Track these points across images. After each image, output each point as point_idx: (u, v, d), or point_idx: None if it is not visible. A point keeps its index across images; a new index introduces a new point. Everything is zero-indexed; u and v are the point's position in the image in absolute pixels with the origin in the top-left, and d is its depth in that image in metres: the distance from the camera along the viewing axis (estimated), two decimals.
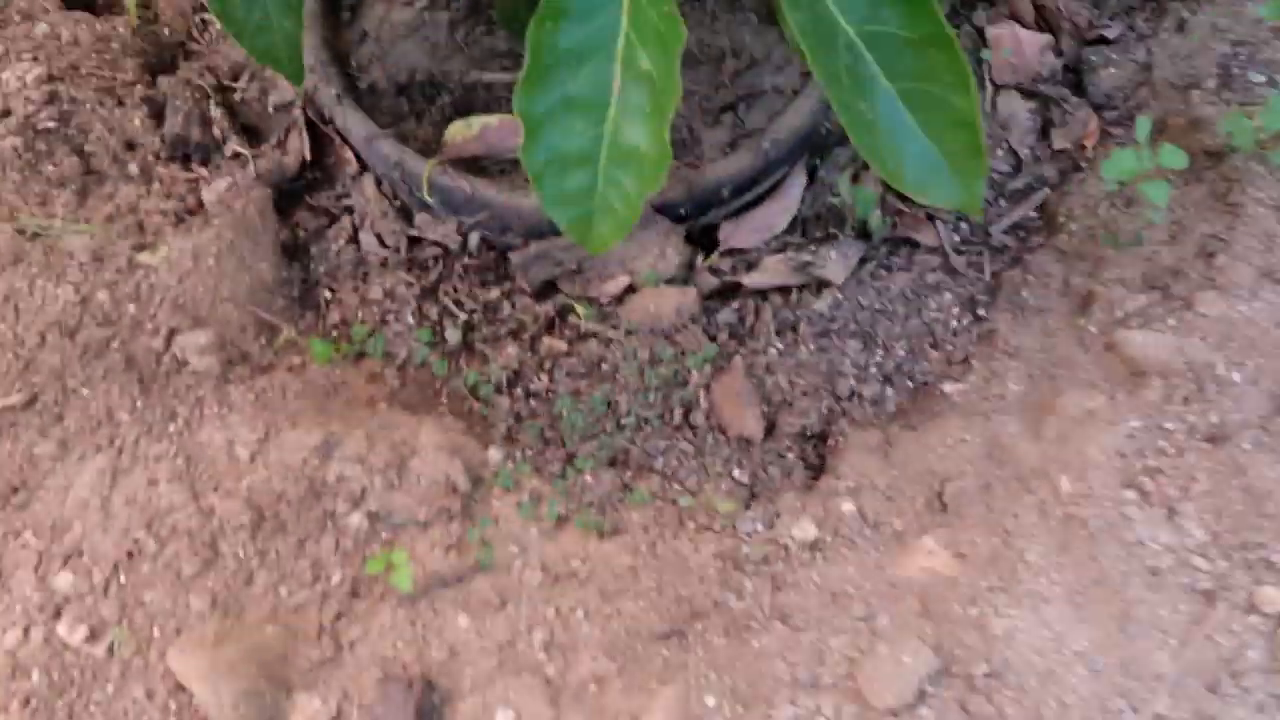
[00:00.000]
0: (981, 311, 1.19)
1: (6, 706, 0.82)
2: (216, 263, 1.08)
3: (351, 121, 1.30)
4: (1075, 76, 1.34)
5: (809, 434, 1.13)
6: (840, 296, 1.22)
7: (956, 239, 1.26)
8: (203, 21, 1.38)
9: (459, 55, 1.37)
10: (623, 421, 1.13)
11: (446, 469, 0.98)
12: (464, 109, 1.33)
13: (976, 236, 1.26)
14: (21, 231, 1.06)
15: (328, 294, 1.20)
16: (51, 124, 1.14)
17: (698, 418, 1.14)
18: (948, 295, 1.21)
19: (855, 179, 1.27)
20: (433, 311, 1.22)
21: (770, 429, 1.14)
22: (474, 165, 1.29)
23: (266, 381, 1.04)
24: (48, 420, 0.98)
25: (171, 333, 1.03)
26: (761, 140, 1.27)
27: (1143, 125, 1.10)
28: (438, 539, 0.95)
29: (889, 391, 1.14)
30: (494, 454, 1.05)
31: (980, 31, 1.37)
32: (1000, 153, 1.31)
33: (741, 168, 1.27)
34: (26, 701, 0.83)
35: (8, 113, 1.15)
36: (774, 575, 0.95)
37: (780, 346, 1.20)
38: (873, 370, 1.16)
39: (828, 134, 1.36)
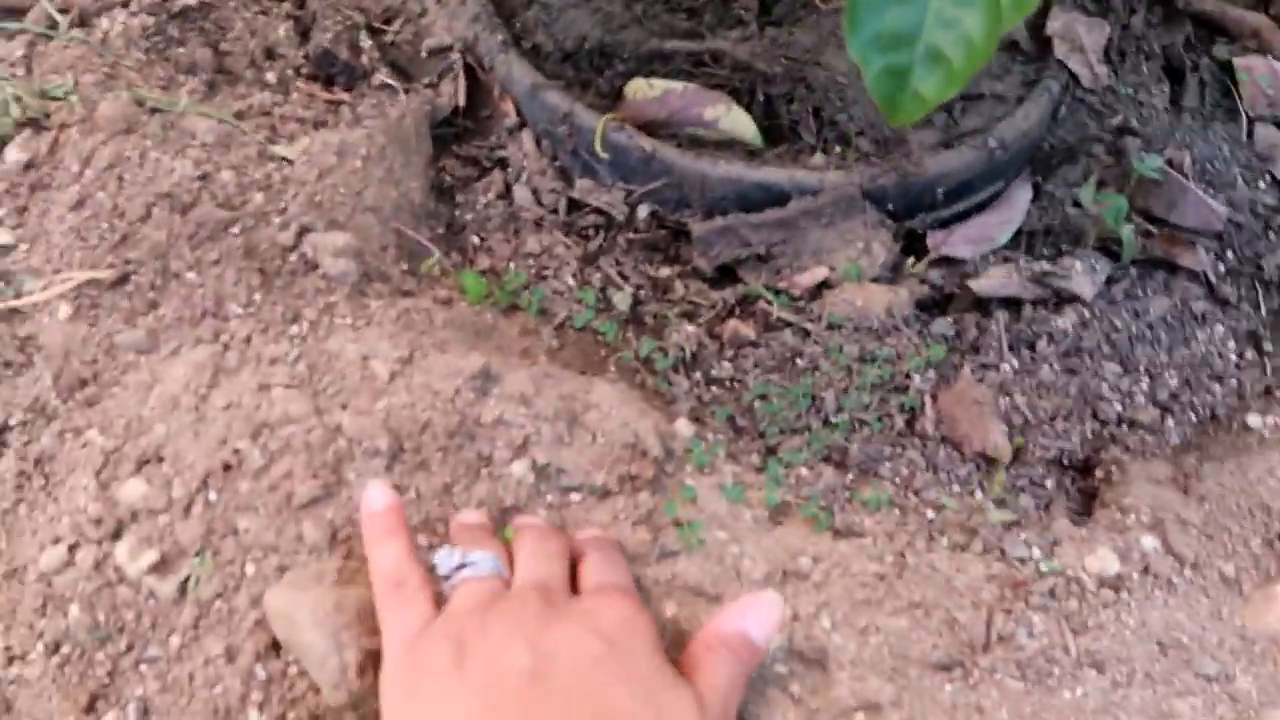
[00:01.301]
0: (1269, 347, 0.97)
1: (26, 654, 0.57)
2: (363, 166, 0.88)
3: (516, 70, 1.14)
4: None
5: (1069, 461, 0.90)
6: (1088, 315, 1.01)
7: (1221, 268, 1.06)
8: None
9: (635, 27, 1.22)
10: (832, 419, 0.90)
11: (635, 428, 0.75)
12: (639, 78, 1.17)
13: (1246, 268, 1.06)
14: (140, 103, 0.88)
15: (476, 240, 1.00)
16: (189, 4, 0.98)
17: (925, 426, 0.91)
18: (1219, 327, 1.00)
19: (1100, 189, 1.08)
20: (595, 278, 1.01)
21: (1017, 450, 0.90)
22: (649, 131, 1.11)
23: (410, 304, 0.82)
24: (139, 305, 0.76)
25: (303, 230, 0.82)
26: (988, 138, 1.10)
27: None
28: (623, 510, 0.70)
29: (1169, 421, 0.91)
30: (683, 427, 0.82)
31: (1224, 65, 1.22)
32: (1263, 185, 1.12)
33: (965, 165, 1.09)
34: (55, 648, 0.57)
35: None
36: (1069, 613, 0.70)
37: (1015, 364, 0.98)
38: (1140, 397, 0.94)
39: (1053, 150, 1.18)
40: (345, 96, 1.06)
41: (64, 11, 0.97)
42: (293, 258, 0.81)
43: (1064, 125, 1.18)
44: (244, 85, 0.99)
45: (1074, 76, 1.19)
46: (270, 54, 1.04)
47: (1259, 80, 1.17)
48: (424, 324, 0.80)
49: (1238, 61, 1.20)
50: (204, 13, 1.01)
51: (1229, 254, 1.07)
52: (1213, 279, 1.04)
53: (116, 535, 0.62)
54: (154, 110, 0.89)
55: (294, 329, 0.76)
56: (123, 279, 0.77)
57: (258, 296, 0.77)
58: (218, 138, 0.88)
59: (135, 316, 0.75)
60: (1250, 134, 1.16)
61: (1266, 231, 1.09)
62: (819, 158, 1.12)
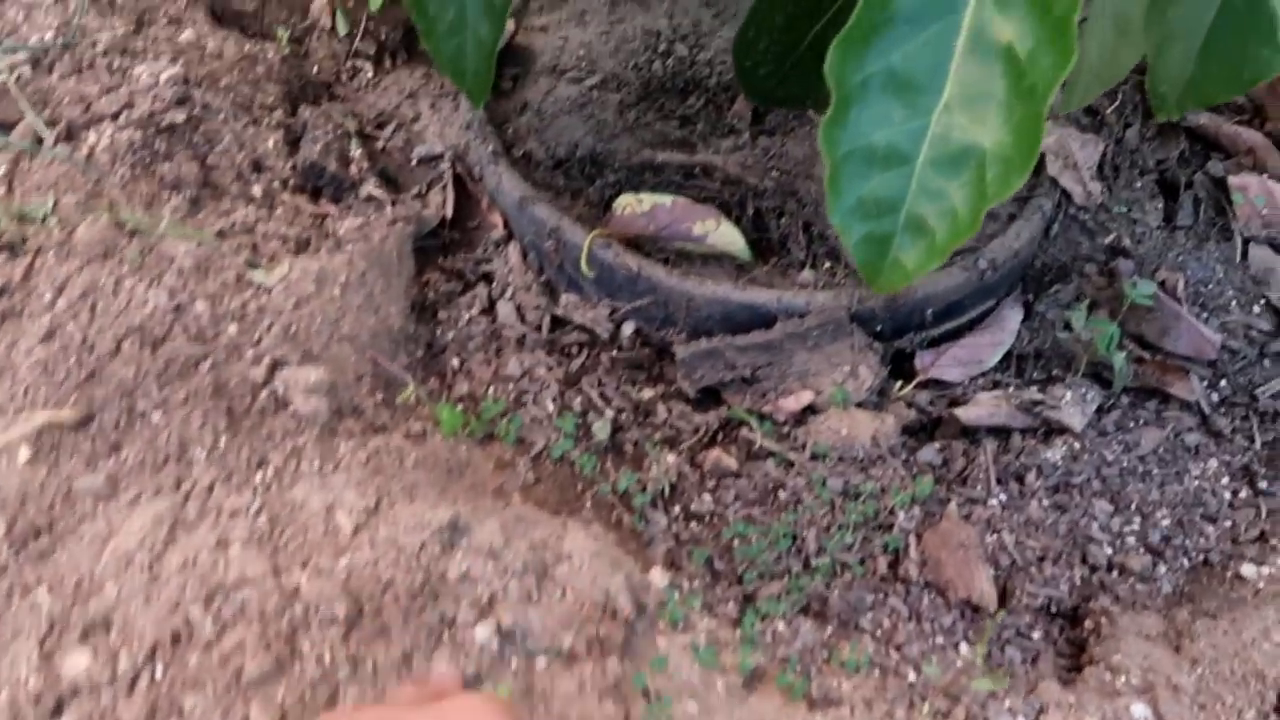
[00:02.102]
0: (1263, 485, 0.95)
1: None
2: (342, 293, 0.87)
3: (506, 182, 1.13)
4: None
5: (1058, 609, 0.87)
6: (1078, 447, 0.98)
7: (1214, 397, 1.03)
8: (353, 67, 1.26)
9: (627, 136, 1.22)
10: (813, 562, 0.88)
11: (606, 584, 0.73)
12: (628, 191, 1.17)
13: (1240, 397, 1.04)
14: (119, 225, 0.87)
15: (455, 362, 0.98)
16: (178, 122, 0.97)
17: (908, 569, 0.88)
18: (1213, 461, 0.98)
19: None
20: (576, 402, 1.00)
21: (1003, 596, 0.88)
22: (636, 246, 1.10)
23: (381, 442, 0.80)
24: (101, 447, 0.75)
25: (276, 364, 0.81)
26: (978, 259, 1.09)
27: None
28: (590, 679, 0.68)
29: (1161, 568, 0.89)
30: (658, 577, 0.80)
31: (1218, 181, 1.21)
32: (1258, 309, 1.11)
33: (955, 285, 1.07)
34: None
35: (130, 106, 0.99)
36: None
37: (1003, 498, 0.96)
38: (1131, 539, 0.91)
39: (1044, 268, 1.17)
40: (332, 209, 1.05)
41: (52, 124, 0.98)
42: (263, 395, 0.79)
43: (1056, 243, 1.17)
44: (229, 200, 0.98)
45: (1066, 194, 1.18)
46: (258, 166, 1.04)
47: (1254, 200, 1.16)
48: (394, 466, 0.79)
49: (1232, 180, 1.19)
50: (193, 126, 1.01)
51: (1223, 382, 1.05)
52: (1206, 410, 1.02)
53: (58, 711, 0.60)
54: (134, 232, 0.88)
55: (258, 476, 0.74)
56: (87, 419, 0.76)
57: (223, 440, 0.75)
58: (196, 262, 0.87)
59: (96, 459, 0.74)
60: (1245, 255, 1.14)
61: (1261, 359, 1.07)
62: (808, 273, 1.11)
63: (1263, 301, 1.11)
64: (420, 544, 0.71)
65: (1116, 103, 1.28)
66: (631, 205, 1.11)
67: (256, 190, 1.02)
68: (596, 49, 1.32)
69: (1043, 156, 1.19)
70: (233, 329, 0.83)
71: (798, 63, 0.88)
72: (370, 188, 1.09)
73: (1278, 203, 1.16)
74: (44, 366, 0.78)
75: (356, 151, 1.12)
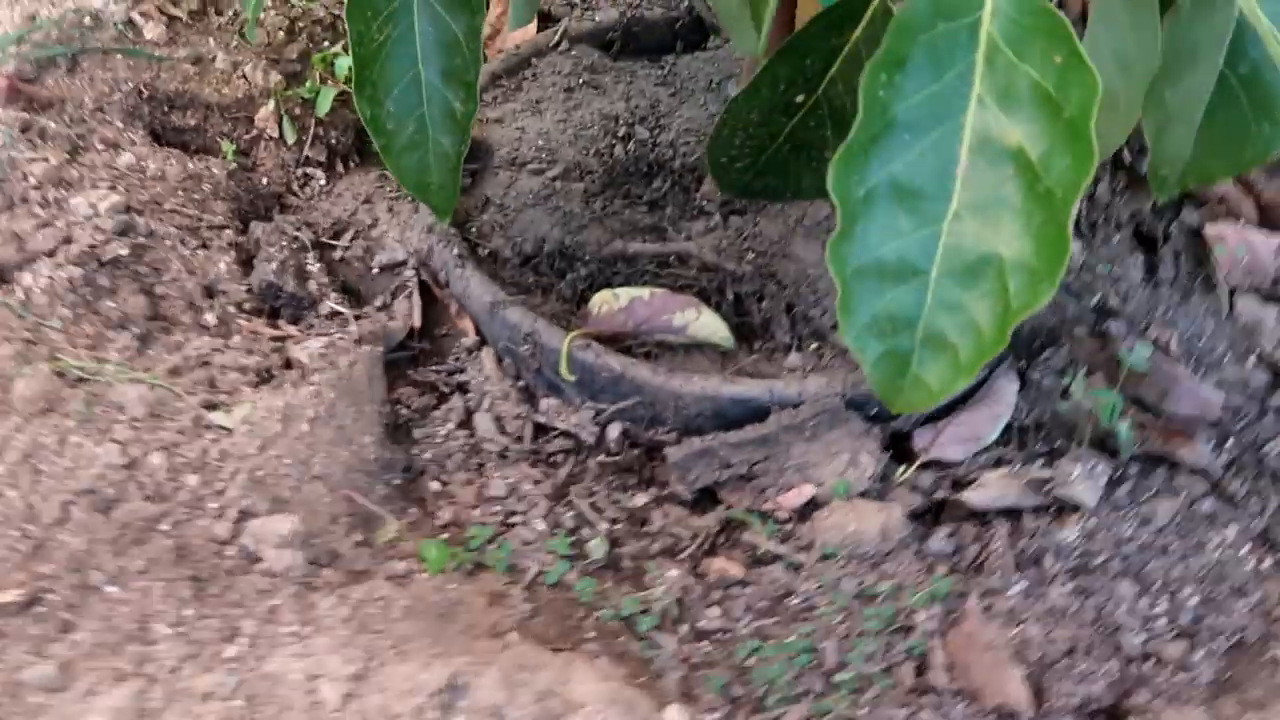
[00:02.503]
0: None
1: None
2: (311, 429, 0.81)
3: (474, 286, 1.09)
4: None
5: (1096, 708, 0.82)
6: (1093, 524, 0.95)
7: (1222, 459, 1.00)
8: (305, 175, 1.21)
9: (595, 226, 1.18)
10: (836, 678, 0.82)
11: None
12: (602, 284, 1.12)
13: (1247, 457, 1.01)
14: (61, 375, 0.81)
15: (436, 485, 0.92)
16: (121, 254, 0.92)
17: (937, 678, 0.83)
18: (1230, 529, 0.94)
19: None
20: (567, 517, 0.94)
21: (1037, 697, 0.83)
22: (615, 344, 1.06)
23: (364, 592, 0.74)
24: (51, 630, 0.67)
25: (242, 516, 0.75)
26: None
27: None
28: None
29: (1197, 654, 0.84)
30: (674, 716, 0.73)
31: (1194, 232, 1.20)
32: (1252, 363, 1.09)
33: None
34: None
35: (69, 240, 0.93)
36: None
37: (1024, 586, 0.91)
38: (1162, 622, 0.87)
39: (1033, 334, 1.14)
40: (293, 330, 1.00)
41: None
42: (230, 552, 0.73)
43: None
44: (181, 332, 0.92)
45: None
46: (210, 292, 0.98)
47: (1234, 250, 1.15)
48: (380, 619, 0.72)
49: (1209, 231, 1.18)
50: (137, 256, 0.95)
51: (1228, 442, 1.02)
52: (1216, 474, 0.99)
53: None
54: (78, 380, 0.82)
55: (231, 649, 0.67)
56: (32, 600, 0.68)
57: (189, 611, 0.69)
58: (148, 408, 0.81)
59: (46, 645, 0.67)
60: (1231, 307, 1.12)
61: (1262, 415, 1.05)
62: (795, 357, 1.07)
63: (1256, 354, 1.09)
64: (416, 708, 0.65)
65: None
66: (608, 302, 1.07)
67: (210, 318, 0.96)
68: (555, 138, 1.29)
69: None
70: (193, 480, 0.76)
71: (773, 156, 0.85)
72: (331, 303, 1.04)
73: (1258, 252, 1.15)
74: None
75: (314, 265, 1.07)
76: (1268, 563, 0.91)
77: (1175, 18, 0.65)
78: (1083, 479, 0.97)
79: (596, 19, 1.47)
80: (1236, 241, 1.16)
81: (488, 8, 1.01)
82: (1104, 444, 1.02)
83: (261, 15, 1.24)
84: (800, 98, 0.79)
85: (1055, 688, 0.82)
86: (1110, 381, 1.04)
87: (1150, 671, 0.83)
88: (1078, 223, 1.21)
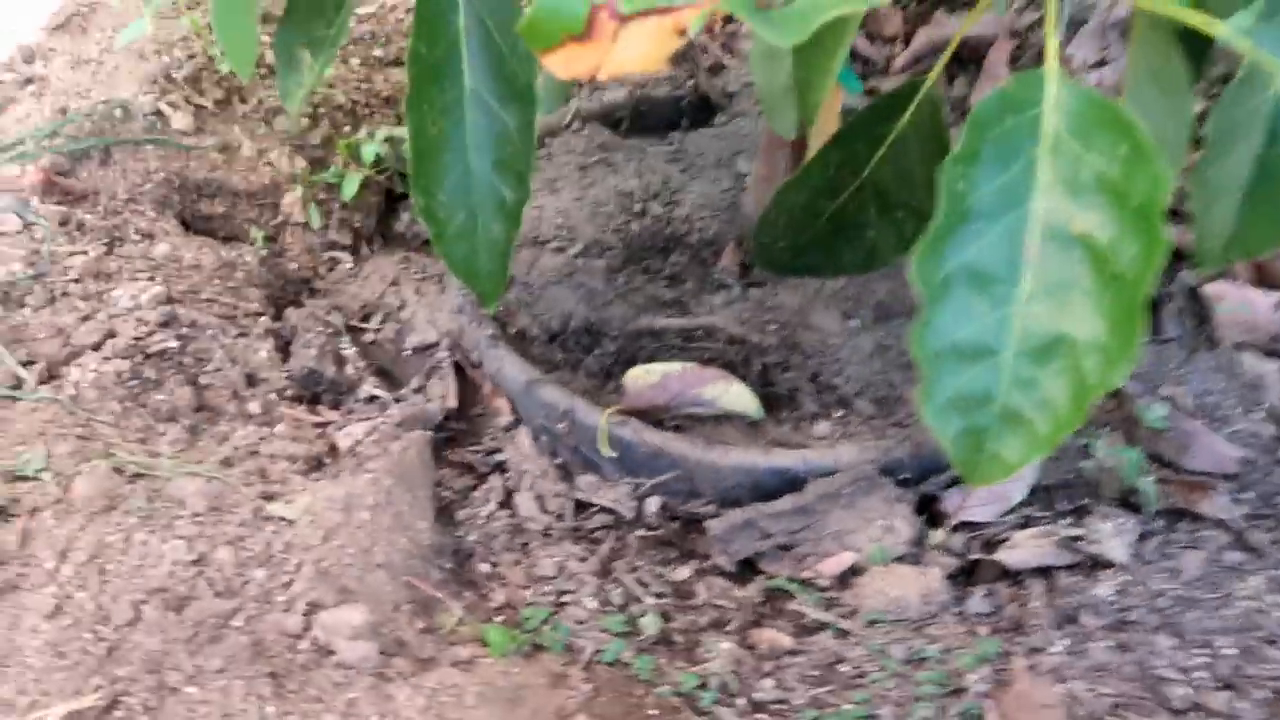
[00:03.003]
0: None
1: None
2: (371, 517, 0.82)
3: (508, 365, 1.11)
4: None
5: None
6: (1126, 580, 0.97)
7: (1243, 511, 1.04)
8: (331, 260, 1.23)
9: (619, 302, 1.21)
10: None
11: None
12: (628, 359, 1.15)
13: (1266, 508, 1.05)
14: (119, 470, 0.81)
15: (485, 568, 0.93)
16: (168, 347, 0.93)
17: None
18: (1257, 579, 0.97)
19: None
20: (615, 594, 0.95)
21: None
22: (649, 418, 1.08)
23: (435, 681, 0.74)
24: None
25: (312, 608, 0.75)
26: None
27: None
28: None
29: (1241, 703, 0.86)
30: None
31: (1192, 291, 1.25)
32: (1261, 415, 1.13)
33: None
34: None
35: (113, 334, 0.94)
36: None
37: (1066, 644, 0.93)
38: (1203, 673, 0.89)
39: None
40: (334, 415, 1.01)
41: (30, 363, 0.92)
42: (304, 646, 0.73)
43: None
44: (226, 421, 0.93)
45: None
46: (252, 380, 0.99)
47: (1235, 308, 1.20)
48: (455, 708, 0.73)
49: (1208, 290, 1.23)
50: (182, 346, 0.96)
51: (1247, 494, 1.05)
52: (1238, 526, 1.02)
53: None
54: (136, 476, 0.82)
55: None
56: (112, 704, 0.68)
57: (271, 708, 0.69)
58: (209, 501, 0.81)
59: None
60: (1235, 363, 1.17)
61: (1275, 465, 1.08)
62: (824, 425, 1.10)
63: (1264, 409, 1.13)
64: None
65: None
66: (642, 377, 1.09)
67: (254, 406, 0.97)
68: (574, 215, 1.32)
69: None
70: (260, 574, 0.77)
71: (815, 236, 0.88)
72: (369, 387, 1.05)
73: (1256, 309, 1.20)
74: (55, 647, 0.70)
75: (349, 350, 1.09)
76: None
77: (1219, 101, 0.69)
78: (1112, 535, 1.00)
79: (605, 99, 1.51)
80: (1236, 300, 1.21)
81: None
82: (1127, 501, 1.05)
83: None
84: (848, 181, 0.83)
85: None
86: (1129, 439, 1.07)
87: None
88: None
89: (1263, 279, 1.25)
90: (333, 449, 0.94)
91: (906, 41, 1.67)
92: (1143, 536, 1.02)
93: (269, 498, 0.83)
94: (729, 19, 1.71)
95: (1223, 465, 1.07)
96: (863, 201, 0.86)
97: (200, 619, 0.72)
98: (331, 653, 0.73)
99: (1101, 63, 1.63)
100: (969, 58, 1.59)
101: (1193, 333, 1.22)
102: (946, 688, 0.88)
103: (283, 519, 0.81)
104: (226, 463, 0.87)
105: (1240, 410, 1.14)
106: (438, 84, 0.83)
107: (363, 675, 0.72)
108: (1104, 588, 0.97)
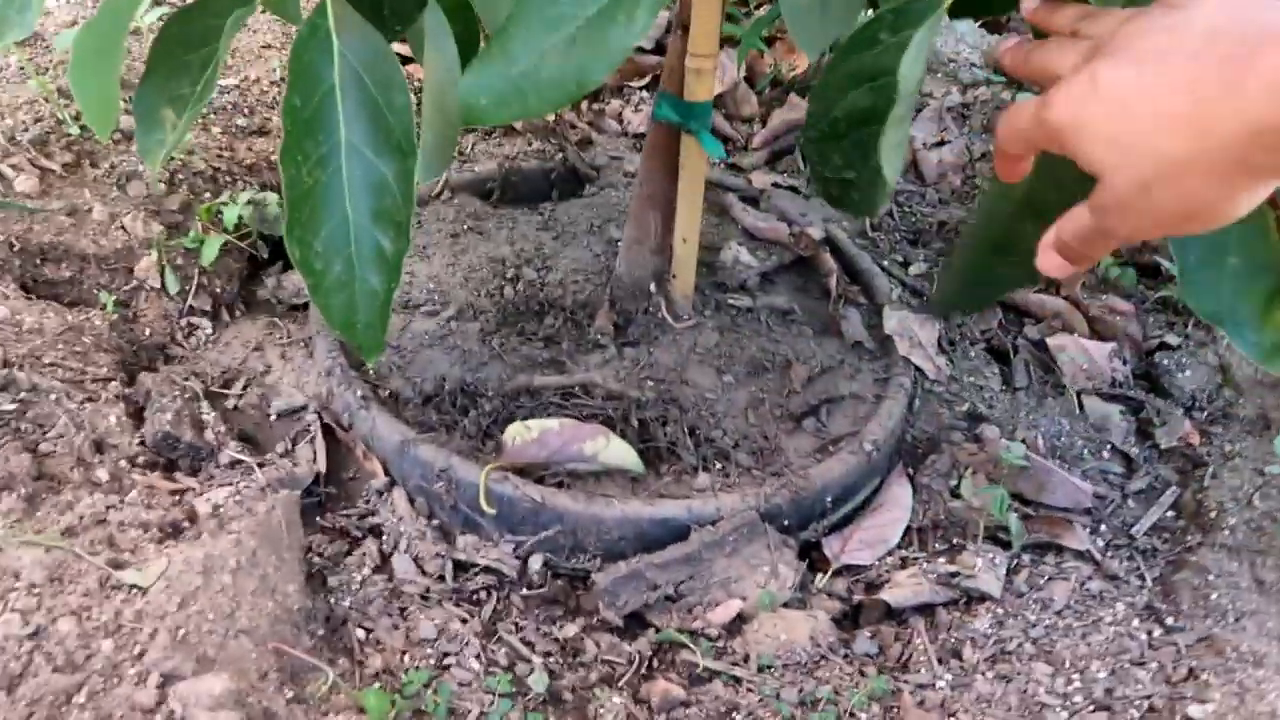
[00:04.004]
0: (1170, 620, 0.99)
1: None
2: (234, 581, 0.77)
3: (381, 426, 1.07)
4: (1149, 381, 1.30)
5: None
6: (1001, 612, 1.00)
7: (1100, 543, 1.10)
8: (189, 325, 1.17)
9: (495, 363, 1.20)
10: None
11: None
12: (506, 418, 1.13)
13: (1120, 539, 1.11)
14: None
15: (360, 633, 0.88)
16: (3, 411, 0.86)
17: None
18: (1120, 605, 1.02)
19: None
20: (500, 654, 0.91)
21: None
22: (529, 475, 1.06)
23: None
24: None
25: (166, 679, 0.69)
26: (862, 442, 1.12)
27: None
28: None
29: None
30: None
31: (1038, 344, 1.34)
32: (1107, 454, 1.20)
33: (847, 471, 1.10)
34: None
35: None
36: None
37: (949, 679, 0.95)
38: (1079, 698, 0.92)
39: (915, 441, 1.22)
40: (193, 483, 0.94)
41: None
42: None
43: (920, 418, 1.24)
44: (70, 490, 0.86)
45: (919, 370, 1.26)
46: (100, 447, 0.92)
47: (1075, 358, 1.28)
48: None
49: (1051, 342, 1.32)
50: (20, 412, 0.88)
51: (1102, 527, 1.11)
52: (1098, 557, 1.07)
53: None
54: None
55: None
56: None
57: None
58: (48, 572, 0.74)
59: None
60: (1081, 407, 1.25)
61: (1125, 500, 1.15)
62: (703, 477, 1.10)
63: (1109, 448, 1.21)
64: None
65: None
66: (521, 434, 1.07)
67: (102, 474, 0.90)
68: (445, 280, 1.31)
69: (889, 338, 1.27)
70: (107, 645, 0.70)
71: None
72: (231, 451, 0.99)
73: (1094, 358, 1.29)
74: None
75: (209, 415, 1.03)
76: (1157, 632, 0.99)
77: None
78: (985, 570, 1.03)
79: (475, 169, 1.52)
80: (1076, 350, 1.30)
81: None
82: (995, 538, 1.09)
83: (140, 168, 1.22)
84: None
85: None
86: (992, 481, 1.12)
87: None
88: (939, 342, 1.33)
89: (1095, 331, 1.35)
90: (191, 516, 0.88)
91: (763, 122, 1.76)
92: (1013, 570, 1.06)
93: (118, 566, 0.76)
94: (595, 97, 1.76)
95: (1078, 501, 1.13)
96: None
97: (37, 697, 0.65)
98: None
99: (941, 143, 1.76)
100: None
101: (1040, 381, 1.30)
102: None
103: (134, 586, 0.74)
104: (70, 532, 0.80)
105: (1089, 450, 1.21)
106: (312, 136, 0.81)
107: None
108: (982, 621, 1.00)
